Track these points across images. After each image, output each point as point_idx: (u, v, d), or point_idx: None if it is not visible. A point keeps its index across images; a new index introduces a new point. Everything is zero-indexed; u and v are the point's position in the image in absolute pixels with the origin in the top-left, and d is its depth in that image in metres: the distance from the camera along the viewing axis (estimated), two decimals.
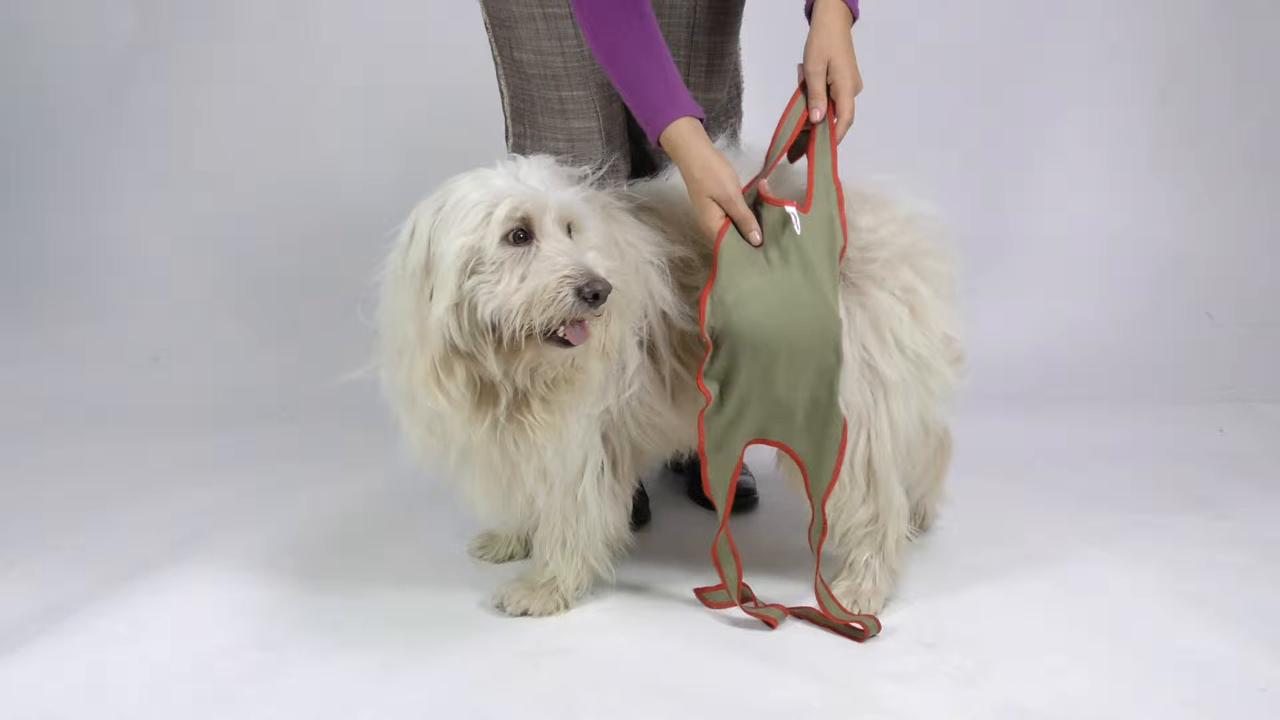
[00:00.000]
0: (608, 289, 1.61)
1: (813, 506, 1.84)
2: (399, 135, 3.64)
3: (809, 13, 1.89)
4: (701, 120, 1.84)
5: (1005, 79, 3.69)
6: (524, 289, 1.59)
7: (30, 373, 3.36)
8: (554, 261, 1.60)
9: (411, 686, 1.66)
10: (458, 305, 1.62)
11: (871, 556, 1.91)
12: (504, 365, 1.66)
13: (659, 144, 1.85)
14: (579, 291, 1.59)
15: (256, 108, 3.76)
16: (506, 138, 2.23)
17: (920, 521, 2.19)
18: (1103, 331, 3.49)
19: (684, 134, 1.81)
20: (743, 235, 1.80)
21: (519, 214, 1.62)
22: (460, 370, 1.66)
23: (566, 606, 1.91)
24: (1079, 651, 1.75)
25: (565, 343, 1.64)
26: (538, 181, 1.67)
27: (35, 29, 3.79)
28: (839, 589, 1.90)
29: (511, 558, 2.14)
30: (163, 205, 3.78)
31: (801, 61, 1.86)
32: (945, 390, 1.91)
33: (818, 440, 1.80)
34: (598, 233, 1.72)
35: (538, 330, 1.62)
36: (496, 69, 2.19)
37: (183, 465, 2.70)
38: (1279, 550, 2.14)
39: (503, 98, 2.21)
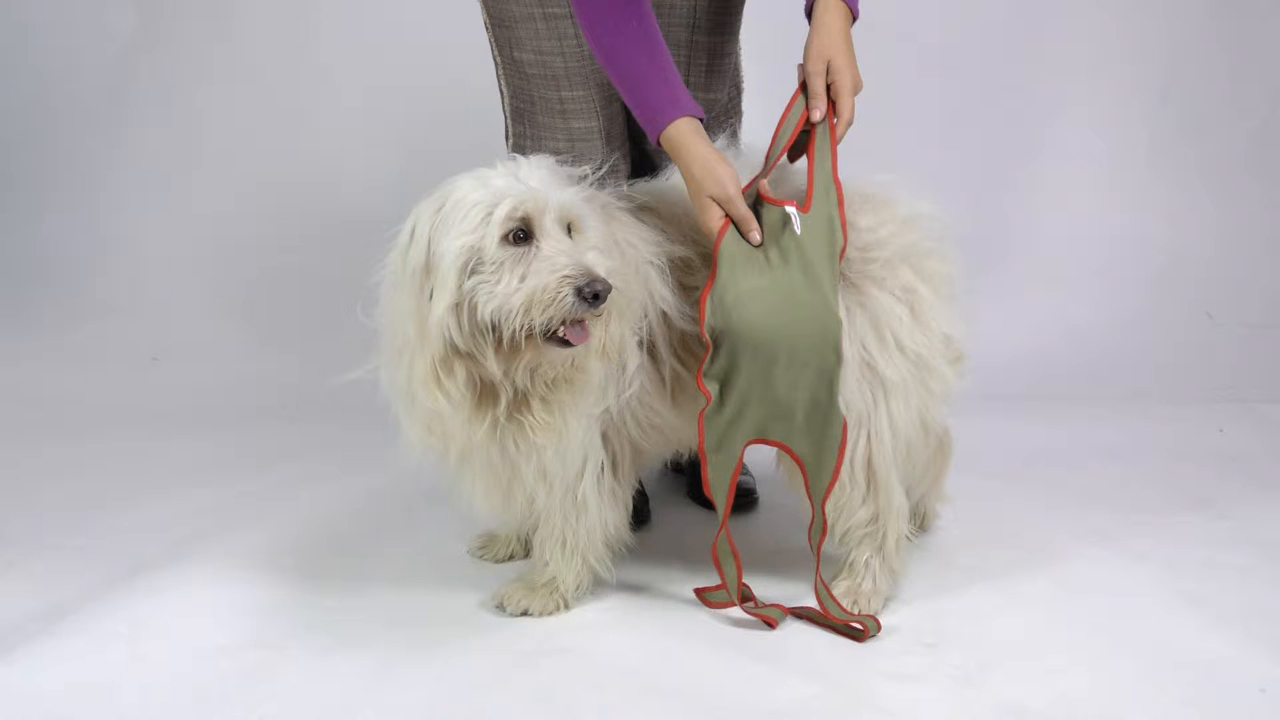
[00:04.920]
0: (608, 289, 1.60)
1: (813, 506, 1.84)
2: (399, 135, 3.64)
3: (809, 13, 1.89)
4: (702, 120, 1.84)
5: (1005, 79, 3.69)
6: (524, 289, 1.59)
7: (30, 373, 3.36)
8: (554, 261, 1.60)
9: (411, 686, 1.66)
10: (458, 305, 1.62)
11: (871, 556, 1.91)
12: (504, 365, 1.66)
13: (659, 144, 1.85)
14: (579, 291, 1.59)
15: (256, 108, 3.76)
16: (506, 138, 2.23)
17: (920, 521, 2.18)
18: (1103, 331, 3.49)
19: (684, 134, 1.81)
20: (743, 235, 1.80)
21: (519, 214, 1.62)
22: (460, 370, 1.66)
23: (566, 606, 1.91)
24: (1079, 651, 1.75)
25: (565, 343, 1.64)
26: (537, 181, 1.67)
27: (35, 29, 3.79)
28: (839, 589, 1.90)
29: (511, 558, 2.14)
30: (163, 205, 3.78)
31: (801, 61, 1.86)
32: (945, 390, 1.91)
33: (818, 440, 1.80)
34: (598, 233, 1.72)
35: (538, 330, 1.61)
36: (496, 69, 2.19)
37: (183, 465, 2.71)
38: (1279, 550, 2.14)
39: (503, 98, 2.21)
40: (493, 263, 1.61)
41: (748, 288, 1.76)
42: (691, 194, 1.83)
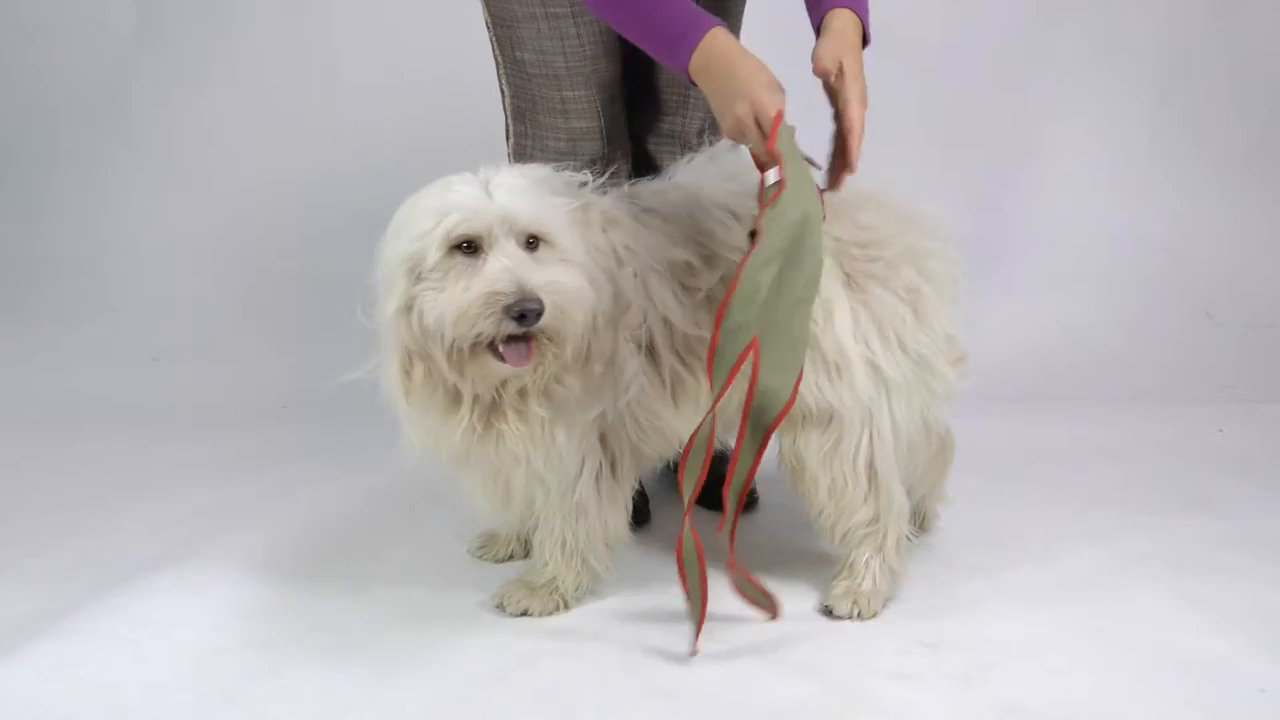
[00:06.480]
0: (537, 309, 1.59)
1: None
2: (399, 135, 3.64)
3: (818, 28, 1.83)
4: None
5: (1005, 79, 3.69)
6: (455, 301, 1.60)
7: (30, 373, 3.36)
8: (489, 276, 1.60)
9: (411, 686, 1.66)
10: (409, 309, 1.64)
11: (871, 557, 1.90)
12: (456, 372, 1.66)
13: (690, 74, 1.75)
14: (507, 309, 1.58)
15: (256, 108, 3.75)
16: (507, 137, 2.23)
17: (920, 522, 2.18)
18: (1103, 331, 3.49)
19: (723, 43, 1.71)
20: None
21: (460, 229, 1.62)
22: (419, 370, 1.68)
23: (566, 606, 1.91)
24: (1079, 652, 1.75)
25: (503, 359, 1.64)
26: (505, 192, 1.65)
27: (35, 29, 3.78)
28: (839, 589, 1.90)
29: (511, 558, 2.14)
30: (163, 205, 3.77)
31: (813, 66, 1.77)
32: (947, 390, 1.91)
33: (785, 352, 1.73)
34: (571, 246, 1.69)
35: (466, 344, 1.62)
36: (498, 68, 2.19)
37: (183, 465, 2.70)
38: (1279, 550, 2.14)
39: (504, 97, 2.21)
40: (438, 271, 1.62)
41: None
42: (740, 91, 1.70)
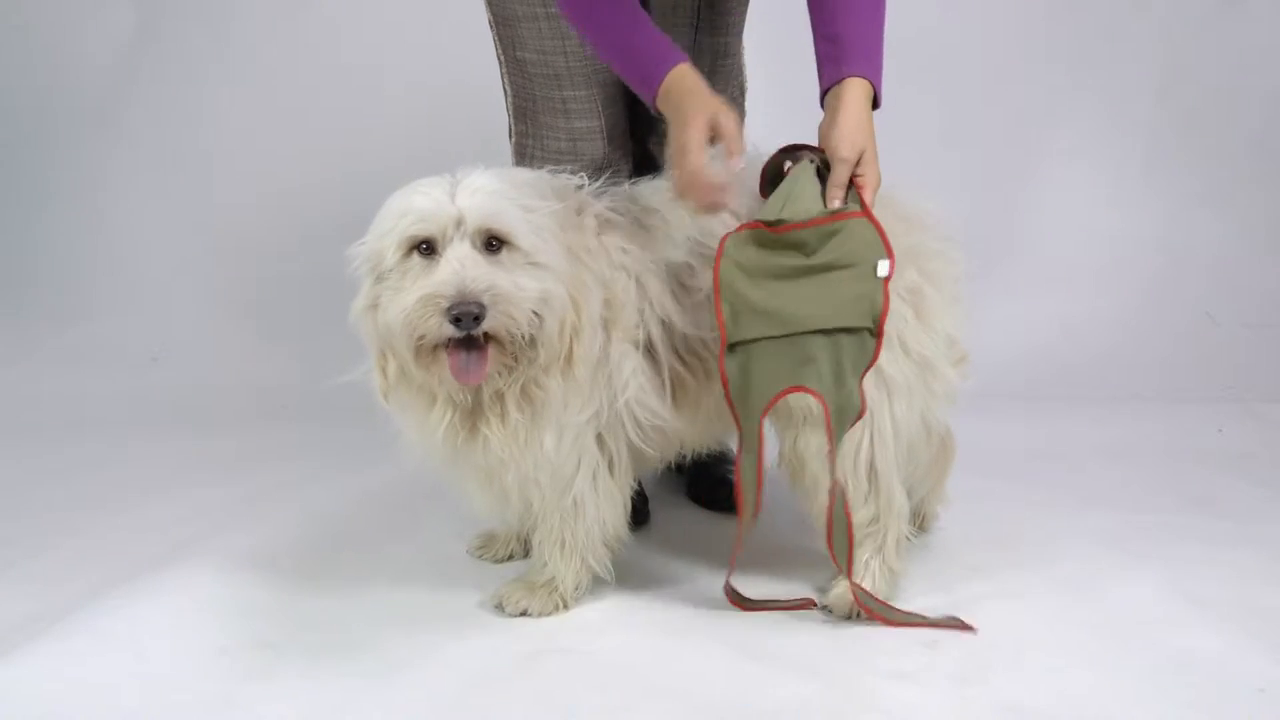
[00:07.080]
0: (475, 312, 1.58)
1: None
2: (399, 135, 3.64)
3: (825, 91, 1.82)
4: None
5: (1005, 79, 3.69)
6: (402, 302, 1.61)
7: (30, 373, 3.37)
8: (433, 279, 1.60)
9: (411, 686, 1.66)
10: (374, 307, 1.67)
11: (871, 557, 1.90)
12: (423, 371, 1.67)
13: (656, 106, 1.80)
14: (445, 312, 1.58)
15: (256, 108, 3.76)
16: (510, 136, 2.23)
17: (920, 523, 2.18)
18: (1103, 331, 3.49)
19: (690, 76, 1.77)
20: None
21: (415, 230, 1.63)
22: (393, 368, 1.70)
23: (565, 606, 1.91)
24: (1079, 651, 1.75)
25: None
26: (469, 194, 1.64)
27: (35, 29, 3.79)
28: (838, 589, 1.89)
29: (511, 558, 2.14)
30: (163, 205, 3.78)
31: (822, 142, 1.79)
32: (948, 391, 1.91)
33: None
34: (538, 249, 1.68)
35: (413, 346, 1.63)
36: (500, 68, 2.19)
37: (183, 465, 2.71)
38: (1279, 550, 2.14)
39: (506, 96, 2.21)
40: (396, 271, 1.64)
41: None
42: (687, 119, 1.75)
